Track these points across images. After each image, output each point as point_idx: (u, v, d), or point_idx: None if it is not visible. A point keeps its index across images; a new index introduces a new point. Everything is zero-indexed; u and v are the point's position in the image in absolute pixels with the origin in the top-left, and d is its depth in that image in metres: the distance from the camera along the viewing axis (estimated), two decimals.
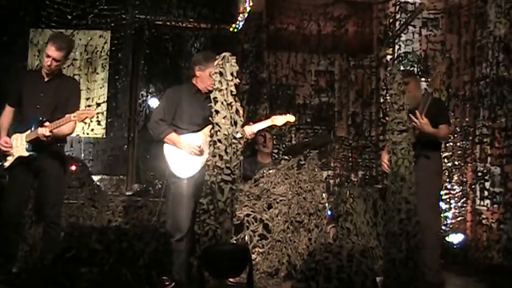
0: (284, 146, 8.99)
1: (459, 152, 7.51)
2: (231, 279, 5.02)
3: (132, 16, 9.24)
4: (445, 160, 7.30)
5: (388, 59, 8.85)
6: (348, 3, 9.29)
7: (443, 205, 7.09)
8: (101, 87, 9.42)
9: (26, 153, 5.16)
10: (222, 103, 4.59)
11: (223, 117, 4.57)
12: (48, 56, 5.17)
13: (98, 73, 9.49)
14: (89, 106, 9.18)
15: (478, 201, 7.19)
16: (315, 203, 6.04)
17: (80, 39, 9.29)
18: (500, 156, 6.72)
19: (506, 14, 6.67)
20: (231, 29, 9.58)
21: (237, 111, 4.65)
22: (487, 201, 6.98)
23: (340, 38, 9.34)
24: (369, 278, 3.77)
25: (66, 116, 5.09)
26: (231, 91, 4.62)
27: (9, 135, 5.30)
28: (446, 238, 7.14)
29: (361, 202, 6.28)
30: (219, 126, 4.57)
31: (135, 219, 6.74)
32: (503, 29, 6.75)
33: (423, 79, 8.26)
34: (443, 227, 7.22)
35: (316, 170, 6.20)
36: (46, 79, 5.30)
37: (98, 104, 9.31)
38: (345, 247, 4.05)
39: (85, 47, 9.39)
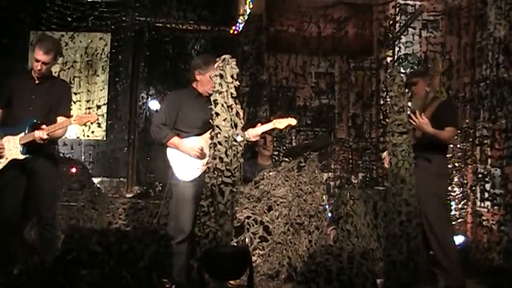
0: (284, 148, 8.99)
1: (459, 154, 7.50)
2: (232, 282, 5.01)
3: (132, 18, 9.25)
4: None
5: (388, 61, 8.86)
6: (348, 5, 9.29)
7: None
8: (101, 90, 9.43)
9: (22, 156, 5.13)
10: (222, 105, 4.59)
11: (224, 120, 4.57)
12: (37, 61, 5.15)
13: (98, 75, 9.51)
14: (89, 108, 9.21)
15: (478, 203, 7.19)
16: (316, 205, 6.03)
17: (80, 42, 9.31)
18: (500, 157, 6.72)
19: (506, 16, 6.67)
20: (231, 31, 9.59)
21: (237, 113, 4.65)
22: (488, 203, 6.97)
23: (340, 40, 9.35)
24: (370, 280, 3.77)
25: (65, 119, 5.09)
26: (231, 93, 4.62)
27: None
28: None
29: (361, 204, 6.27)
30: (219, 129, 4.58)
31: (136, 221, 6.74)
32: (503, 30, 6.75)
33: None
34: None
35: (316, 172, 6.19)
36: (37, 81, 5.27)
37: (98, 106, 9.32)
38: (346, 249, 4.06)
39: (85, 49, 9.41)
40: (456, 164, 7.51)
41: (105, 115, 9.27)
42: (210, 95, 4.84)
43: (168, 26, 9.52)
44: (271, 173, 6.21)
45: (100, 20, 8.98)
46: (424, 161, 5.39)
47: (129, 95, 9.54)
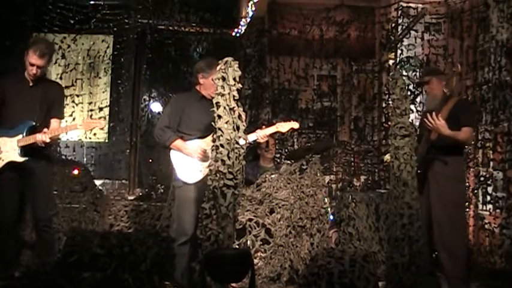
0: (286, 150, 8.99)
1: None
2: (233, 284, 5.02)
3: (134, 21, 9.27)
4: None
5: (391, 64, 8.85)
6: (350, 8, 9.30)
7: None
8: (103, 92, 9.45)
9: (21, 159, 5.11)
10: (225, 108, 4.59)
11: (226, 122, 4.57)
12: (32, 65, 5.12)
13: (100, 77, 9.54)
14: (92, 110, 9.23)
15: (480, 206, 7.18)
16: (317, 207, 6.03)
17: (83, 44, 9.34)
18: (502, 160, 6.71)
19: (509, 19, 6.66)
20: (234, 34, 9.60)
21: (239, 116, 4.65)
22: (490, 206, 6.97)
23: (342, 42, 9.36)
24: (371, 283, 3.77)
25: (72, 124, 5.07)
26: (234, 96, 4.61)
27: None
28: None
29: (363, 207, 6.26)
30: (222, 131, 4.57)
31: (137, 223, 6.75)
32: (505, 33, 6.74)
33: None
34: None
35: (318, 174, 6.19)
36: (31, 84, 5.23)
37: (101, 109, 9.34)
38: (347, 252, 4.06)
39: (87, 51, 9.44)
40: None
41: (107, 117, 9.29)
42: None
43: (171, 28, 9.54)
44: (273, 176, 6.21)
45: (102, 22, 9.00)
46: (440, 163, 5.28)
47: (131, 97, 9.56)
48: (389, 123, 5.78)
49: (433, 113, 5.21)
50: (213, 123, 4.65)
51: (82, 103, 9.34)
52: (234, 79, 4.62)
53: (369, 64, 9.49)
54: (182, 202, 5.23)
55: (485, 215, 7.04)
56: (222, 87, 4.60)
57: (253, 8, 8.99)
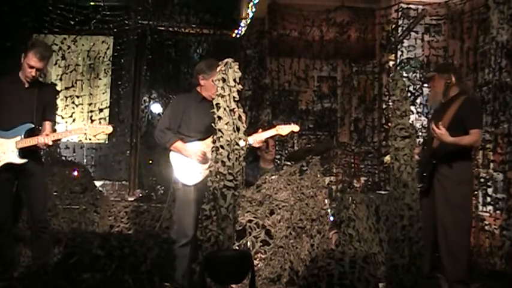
0: (286, 151, 8.99)
1: None
2: (233, 286, 5.00)
3: (134, 22, 9.28)
4: None
5: (391, 65, 8.85)
6: (350, 9, 9.30)
7: None
8: (103, 93, 9.46)
9: (20, 161, 5.11)
10: (225, 109, 4.58)
11: (226, 123, 4.57)
12: (32, 67, 5.12)
13: (100, 78, 9.54)
14: (91, 111, 9.23)
15: (480, 207, 7.18)
16: (317, 209, 6.02)
17: (83, 45, 9.34)
18: (502, 162, 6.71)
19: (509, 20, 6.67)
20: (234, 35, 9.61)
21: (239, 117, 4.64)
22: (490, 207, 6.97)
23: (342, 43, 9.36)
24: (372, 285, 3.77)
25: (78, 128, 5.06)
26: (234, 97, 4.61)
27: None
28: None
29: (363, 208, 6.25)
30: (222, 132, 4.57)
31: (138, 224, 6.74)
32: (505, 35, 6.75)
33: (426, 84, 8.29)
34: None
35: (318, 176, 6.19)
36: (26, 85, 5.23)
37: (101, 110, 9.35)
38: (347, 253, 4.05)
39: (88, 52, 9.45)
40: None
41: (107, 118, 9.29)
42: None
43: (171, 29, 9.55)
44: (273, 177, 6.21)
45: (102, 23, 9.00)
46: (447, 167, 5.20)
47: (131, 98, 9.57)
48: (389, 124, 5.77)
49: (437, 121, 5.16)
50: (213, 124, 4.65)
51: (82, 104, 9.35)
52: (234, 80, 4.61)
53: (369, 65, 9.49)
54: (182, 204, 5.24)
55: (485, 216, 7.04)
56: (222, 88, 4.60)
57: (254, 9, 8.99)
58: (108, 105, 9.44)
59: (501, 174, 6.76)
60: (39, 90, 5.27)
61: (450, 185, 5.18)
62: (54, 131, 5.34)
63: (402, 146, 4.81)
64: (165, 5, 9.43)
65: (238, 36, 9.63)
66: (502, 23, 6.80)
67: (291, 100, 9.36)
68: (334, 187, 8.78)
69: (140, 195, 8.75)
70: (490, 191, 6.97)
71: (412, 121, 7.61)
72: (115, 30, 9.17)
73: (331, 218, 6.48)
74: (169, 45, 9.66)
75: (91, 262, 3.93)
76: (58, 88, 8.71)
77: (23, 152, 5.11)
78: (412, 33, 8.48)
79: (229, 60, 4.67)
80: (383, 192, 7.22)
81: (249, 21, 9.27)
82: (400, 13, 8.62)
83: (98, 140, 9.31)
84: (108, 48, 9.53)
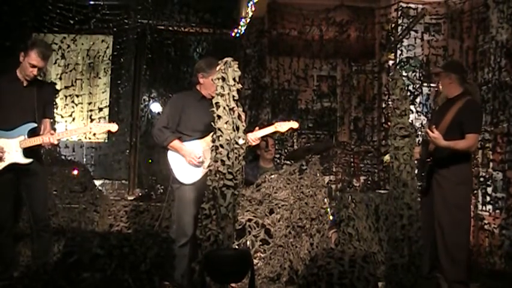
0: (286, 151, 8.99)
1: None
2: (233, 285, 5.02)
3: (134, 21, 9.27)
4: None
5: (390, 64, 8.85)
6: (350, 8, 9.30)
7: None
8: (103, 92, 9.45)
9: (25, 160, 5.12)
10: (224, 108, 4.59)
11: (225, 123, 4.57)
12: (34, 66, 5.11)
13: (100, 78, 9.54)
14: (91, 111, 9.22)
15: (480, 207, 7.18)
16: (317, 208, 6.02)
17: (82, 44, 9.34)
18: (502, 161, 6.71)
19: (509, 19, 6.67)
20: (233, 34, 9.60)
21: (239, 116, 4.65)
22: (489, 207, 6.97)
23: (342, 43, 9.36)
24: (371, 284, 3.77)
25: (83, 126, 5.05)
26: (233, 96, 4.61)
27: None
28: None
29: (363, 207, 6.26)
30: (221, 132, 4.57)
31: (137, 224, 6.74)
32: (505, 34, 6.75)
33: (425, 84, 8.29)
34: None
35: (318, 175, 6.18)
36: (25, 84, 5.22)
37: (100, 109, 9.34)
38: (347, 252, 4.05)
39: (87, 51, 9.44)
40: None
41: (106, 117, 9.29)
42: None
43: (170, 28, 9.55)
44: (272, 176, 6.21)
45: (102, 22, 9.00)
46: (445, 167, 5.19)
47: (131, 98, 9.57)
48: (389, 123, 5.78)
49: (437, 121, 5.18)
50: (212, 123, 4.65)
51: (82, 103, 9.34)
52: (234, 79, 4.61)
53: (368, 64, 9.49)
54: (181, 203, 5.23)
55: (484, 215, 7.04)
56: (222, 87, 4.60)
57: (253, 9, 8.99)
58: (107, 104, 9.43)
59: (500, 173, 6.75)
60: (38, 88, 5.26)
61: (448, 185, 5.17)
62: (54, 129, 5.34)
63: (402, 145, 4.82)
64: (165, 4, 9.42)
65: (237, 35, 9.63)
66: (501, 22, 6.80)
67: (290, 99, 9.36)
68: (333, 186, 8.79)
69: (140, 194, 8.75)
70: (489, 190, 6.97)
71: (412, 120, 7.64)
72: (115, 29, 9.16)
73: (331, 218, 6.49)
74: (169, 45, 9.66)
75: (91, 261, 3.93)
76: (58, 87, 8.72)
77: (27, 152, 5.12)
78: (412, 33, 8.48)
79: (229, 59, 4.67)
80: (382, 191, 7.23)
81: (248, 20, 9.27)
82: (399, 12, 8.61)
83: (98, 139, 9.31)
84: (107, 47, 9.52)
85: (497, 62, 6.88)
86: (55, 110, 6.05)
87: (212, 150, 4.63)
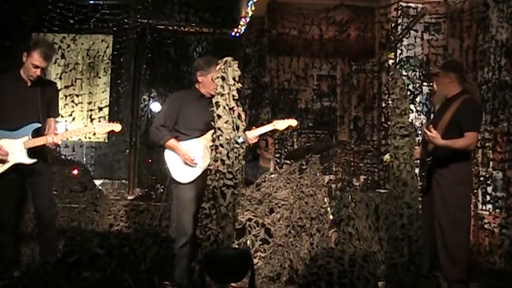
0: (286, 150, 9.00)
1: None
2: (233, 284, 5.01)
3: (134, 20, 9.27)
4: None
5: (390, 64, 8.86)
6: (349, 8, 9.31)
7: None
8: (102, 92, 9.46)
9: (30, 161, 5.11)
10: (224, 108, 4.59)
11: (225, 122, 4.57)
12: (37, 67, 5.10)
13: (100, 77, 9.54)
14: (91, 110, 9.22)
15: (480, 206, 7.18)
16: (317, 207, 6.02)
17: (82, 44, 9.35)
18: (502, 160, 6.71)
19: (508, 19, 6.66)
20: (233, 34, 9.60)
21: (239, 115, 4.65)
22: (489, 206, 6.97)
23: (342, 42, 9.37)
24: (371, 283, 3.76)
25: (86, 126, 5.05)
26: (233, 96, 4.61)
27: None
28: None
29: (363, 207, 6.25)
30: (221, 131, 4.57)
31: (137, 223, 6.74)
32: (505, 33, 6.74)
33: (425, 83, 8.29)
34: None
35: (318, 174, 6.18)
36: (29, 84, 5.21)
37: (100, 108, 9.35)
38: (347, 252, 4.05)
39: (87, 51, 9.45)
40: None
41: (106, 117, 9.29)
42: (213, 96, 4.84)
43: (170, 28, 9.55)
44: (272, 176, 6.20)
45: (102, 22, 9.00)
46: (444, 166, 5.15)
47: (130, 97, 9.58)
48: (389, 123, 5.77)
49: (437, 120, 5.17)
50: (212, 122, 4.65)
51: (82, 103, 9.35)
52: (234, 79, 4.61)
53: (368, 64, 9.50)
54: (179, 202, 5.22)
55: (484, 214, 7.04)
56: (222, 86, 4.60)
57: (253, 8, 8.99)
58: (107, 104, 9.44)
59: (500, 172, 6.75)
60: (41, 88, 5.26)
61: (447, 185, 5.14)
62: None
63: (402, 144, 4.82)
64: (165, 4, 9.43)
65: (237, 35, 9.63)
66: (501, 21, 6.80)
67: (290, 99, 9.37)
68: (333, 186, 8.80)
69: (140, 194, 8.75)
70: (489, 189, 6.97)
71: (412, 120, 7.64)
72: (114, 29, 9.17)
73: (331, 217, 6.49)
74: (169, 44, 9.67)
75: (90, 261, 3.92)
76: (57, 87, 8.72)
77: (31, 152, 5.11)
78: (412, 32, 8.48)
79: (229, 58, 4.67)
80: (382, 190, 7.23)
81: (248, 20, 9.27)
82: (399, 12, 8.62)
83: (98, 138, 9.32)
84: (107, 47, 9.53)
85: (497, 61, 6.88)
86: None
87: (212, 150, 4.63)
